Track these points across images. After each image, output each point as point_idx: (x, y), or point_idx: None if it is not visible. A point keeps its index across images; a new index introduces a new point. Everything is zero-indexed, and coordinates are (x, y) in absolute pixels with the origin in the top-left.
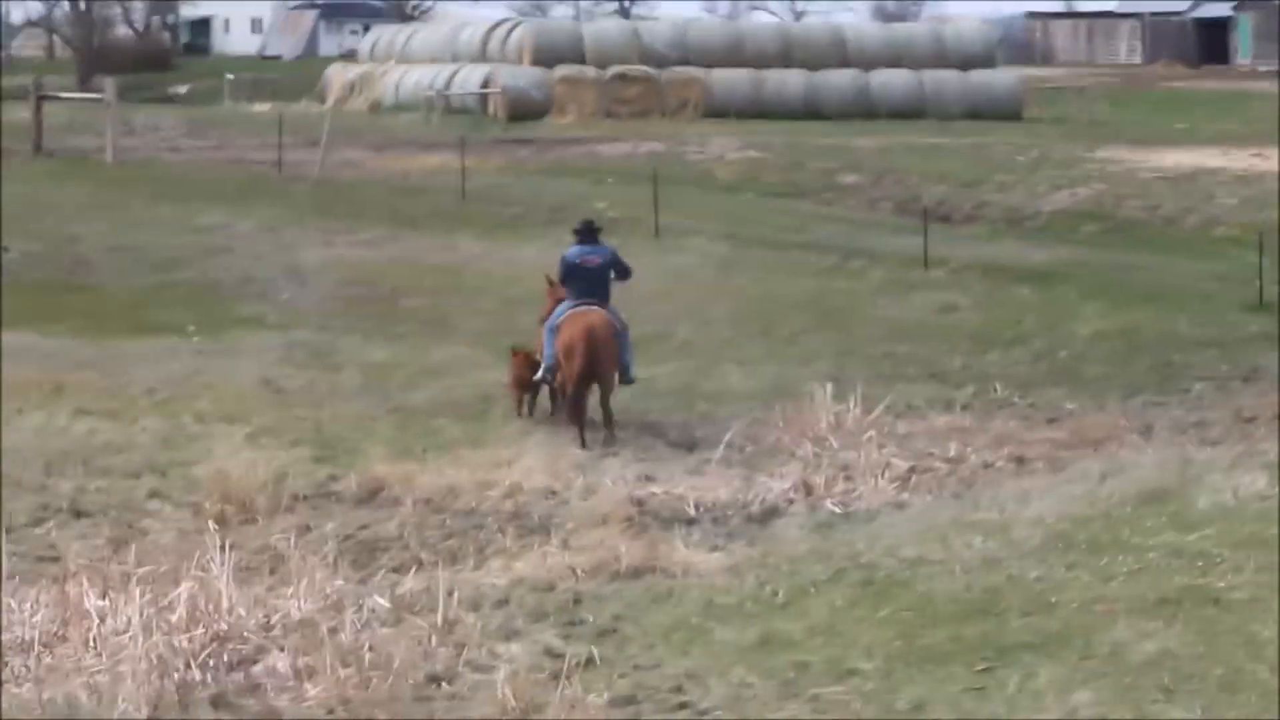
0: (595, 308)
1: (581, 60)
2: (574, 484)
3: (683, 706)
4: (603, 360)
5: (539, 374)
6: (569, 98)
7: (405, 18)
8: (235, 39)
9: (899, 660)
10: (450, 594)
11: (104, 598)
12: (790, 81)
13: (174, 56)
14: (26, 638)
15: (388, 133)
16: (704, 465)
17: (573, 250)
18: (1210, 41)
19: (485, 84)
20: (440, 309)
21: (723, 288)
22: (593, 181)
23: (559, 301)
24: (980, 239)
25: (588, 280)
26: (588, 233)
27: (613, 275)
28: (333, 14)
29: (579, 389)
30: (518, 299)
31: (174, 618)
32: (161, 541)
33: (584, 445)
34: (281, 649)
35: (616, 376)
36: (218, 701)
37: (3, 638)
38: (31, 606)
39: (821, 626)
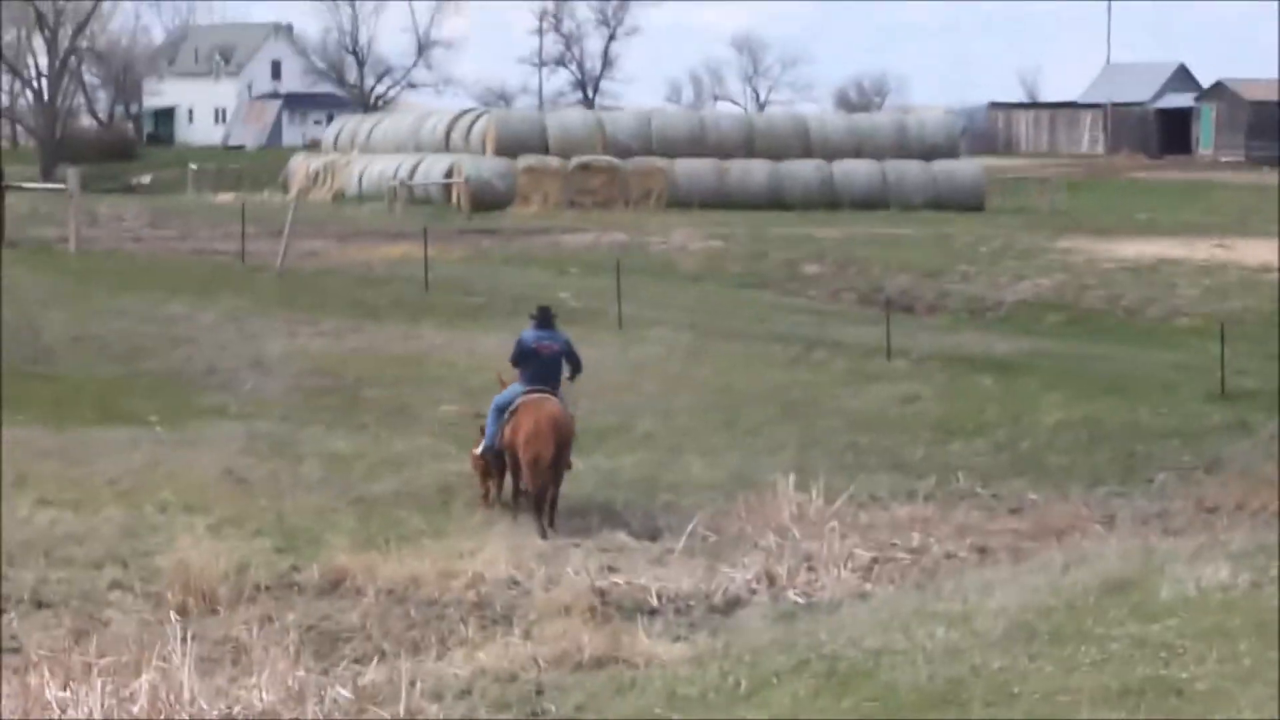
0: (550, 396)
1: (545, 150)
2: (536, 574)
3: None
4: (564, 450)
5: (479, 449)
6: (532, 188)
7: (369, 108)
8: (199, 129)
9: None
10: (413, 684)
11: (65, 688)
12: (754, 171)
13: (138, 146)
14: None
15: (351, 223)
16: (667, 555)
17: (529, 334)
18: (1172, 132)
19: (449, 174)
20: (402, 399)
21: (686, 378)
22: (556, 272)
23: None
24: (943, 329)
25: (542, 366)
26: (545, 319)
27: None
28: (296, 104)
29: (542, 477)
30: (480, 388)
31: (136, 709)
32: (123, 632)
33: (544, 535)
34: None
35: (564, 465)
36: None
37: None
38: None
39: (784, 717)
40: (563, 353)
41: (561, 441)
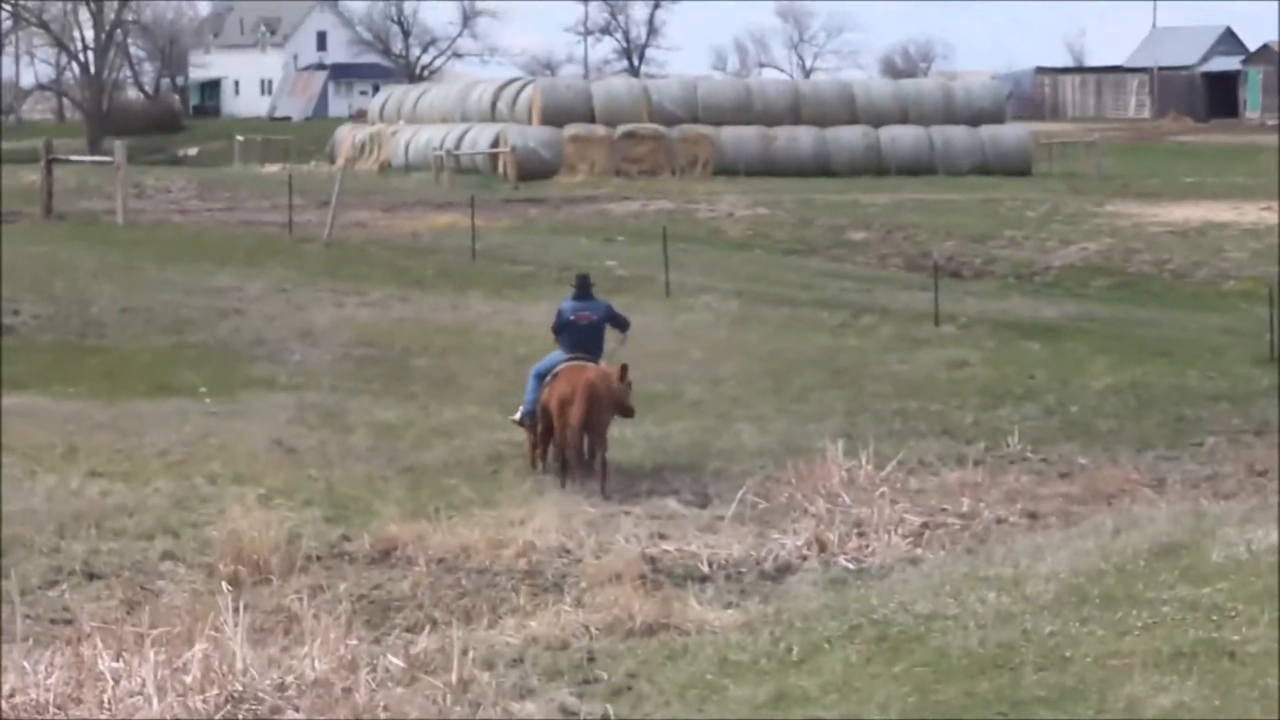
0: (588, 363)
1: (591, 119)
2: (587, 542)
3: None
4: (601, 413)
5: (517, 416)
6: (578, 156)
7: (414, 78)
8: (245, 101)
9: (913, 716)
10: (464, 653)
11: (118, 659)
12: (800, 138)
13: (184, 119)
14: (41, 700)
15: (397, 193)
16: (717, 522)
17: (567, 304)
18: (1219, 95)
19: (495, 143)
20: (450, 369)
21: (733, 345)
22: (603, 240)
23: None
24: (990, 294)
25: (580, 335)
26: (582, 289)
27: (610, 327)
28: (342, 75)
29: (576, 439)
30: (527, 358)
31: (188, 679)
32: (175, 603)
33: (563, 485)
34: (296, 709)
35: (605, 427)
36: None
37: (17, 700)
38: (45, 669)
39: (836, 683)
40: (602, 321)
41: (594, 405)
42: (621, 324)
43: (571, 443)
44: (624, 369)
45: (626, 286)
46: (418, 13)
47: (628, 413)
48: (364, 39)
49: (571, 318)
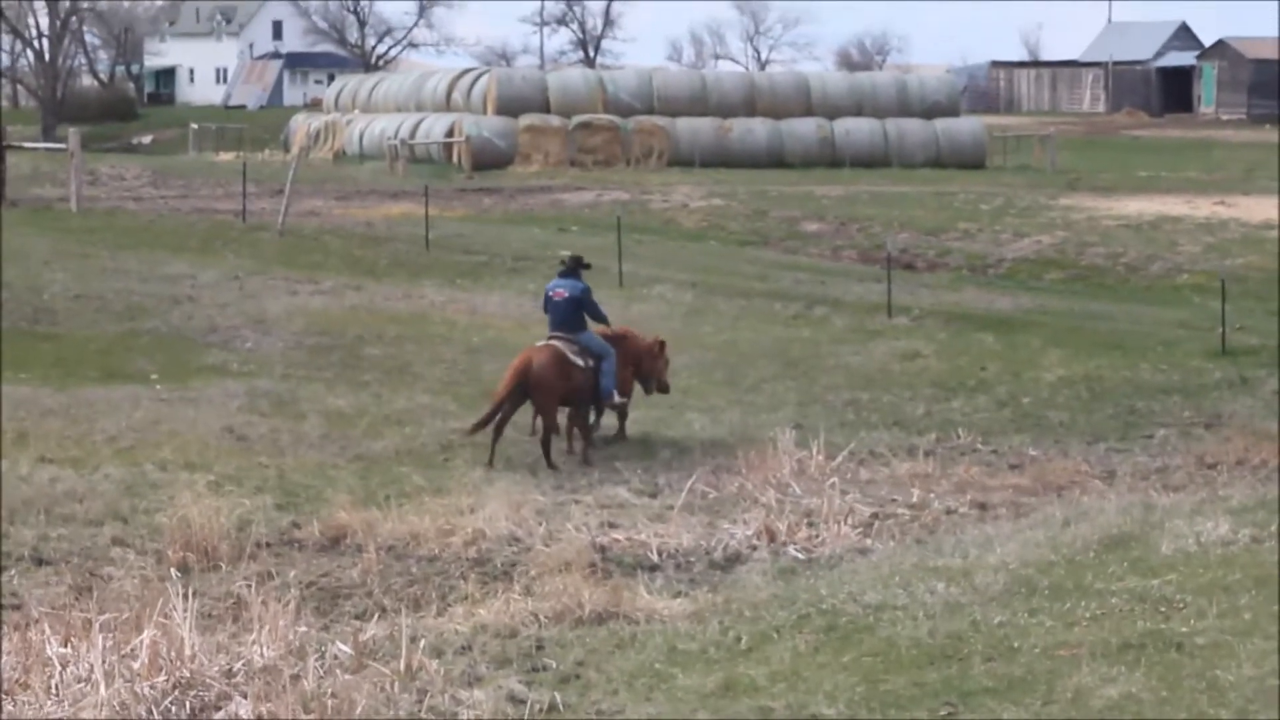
0: (553, 342)
1: (546, 109)
2: (536, 531)
3: None
4: (535, 391)
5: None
6: (533, 147)
7: (370, 67)
8: (200, 88)
9: (862, 706)
10: (413, 640)
11: (66, 645)
12: (755, 130)
13: (138, 106)
14: None
15: (352, 182)
16: (667, 512)
17: (551, 282)
18: (1173, 90)
19: (450, 133)
20: (403, 357)
21: (686, 336)
22: (557, 230)
23: (607, 337)
24: (944, 286)
25: (557, 311)
26: (571, 268)
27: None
28: (297, 64)
29: (493, 411)
30: (480, 347)
31: (136, 665)
32: (124, 589)
33: (490, 463)
34: (244, 696)
35: (554, 409)
36: None
37: None
38: None
39: (784, 672)
40: (574, 299)
41: (523, 383)
42: (594, 315)
43: (497, 419)
44: (661, 344)
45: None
46: (373, 3)
47: (664, 388)
48: (319, 28)
49: (550, 294)
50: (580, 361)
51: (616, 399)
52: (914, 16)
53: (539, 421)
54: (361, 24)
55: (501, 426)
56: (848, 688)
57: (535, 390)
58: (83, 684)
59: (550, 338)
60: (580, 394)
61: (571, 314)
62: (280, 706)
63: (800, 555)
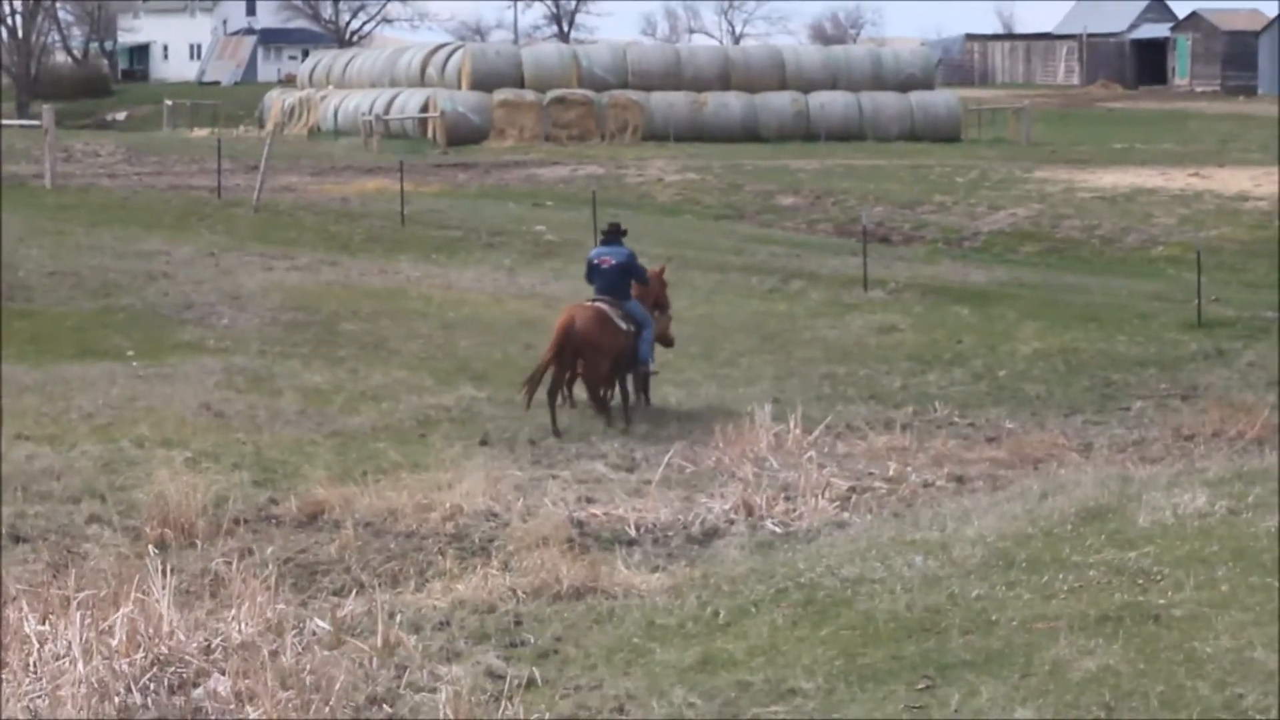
0: (598, 304)
1: (520, 84)
2: (514, 506)
3: None
4: (581, 351)
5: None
6: (508, 122)
7: (344, 43)
8: (174, 65)
9: (840, 679)
10: (391, 616)
11: (44, 622)
12: (730, 104)
13: (112, 83)
14: None
15: (326, 157)
16: (644, 486)
17: (594, 251)
18: (1148, 62)
19: (424, 108)
20: (379, 333)
21: None
22: (532, 204)
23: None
24: (919, 259)
25: (603, 278)
26: (611, 234)
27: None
28: (271, 40)
29: (554, 374)
30: (456, 322)
31: (114, 641)
32: (101, 566)
33: (555, 430)
34: (222, 672)
35: (605, 365)
36: None
37: None
38: None
39: (762, 646)
40: (622, 265)
41: (568, 344)
42: (637, 277)
43: (552, 375)
44: (661, 269)
45: (556, 251)
46: None
47: (667, 343)
48: (293, 4)
49: (596, 262)
50: (624, 325)
51: (651, 367)
52: None
53: (554, 387)
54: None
55: (556, 392)
56: (825, 661)
57: (583, 347)
58: (61, 661)
59: (595, 300)
60: (621, 357)
61: (619, 280)
62: (258, 682)
63: (778, 529)
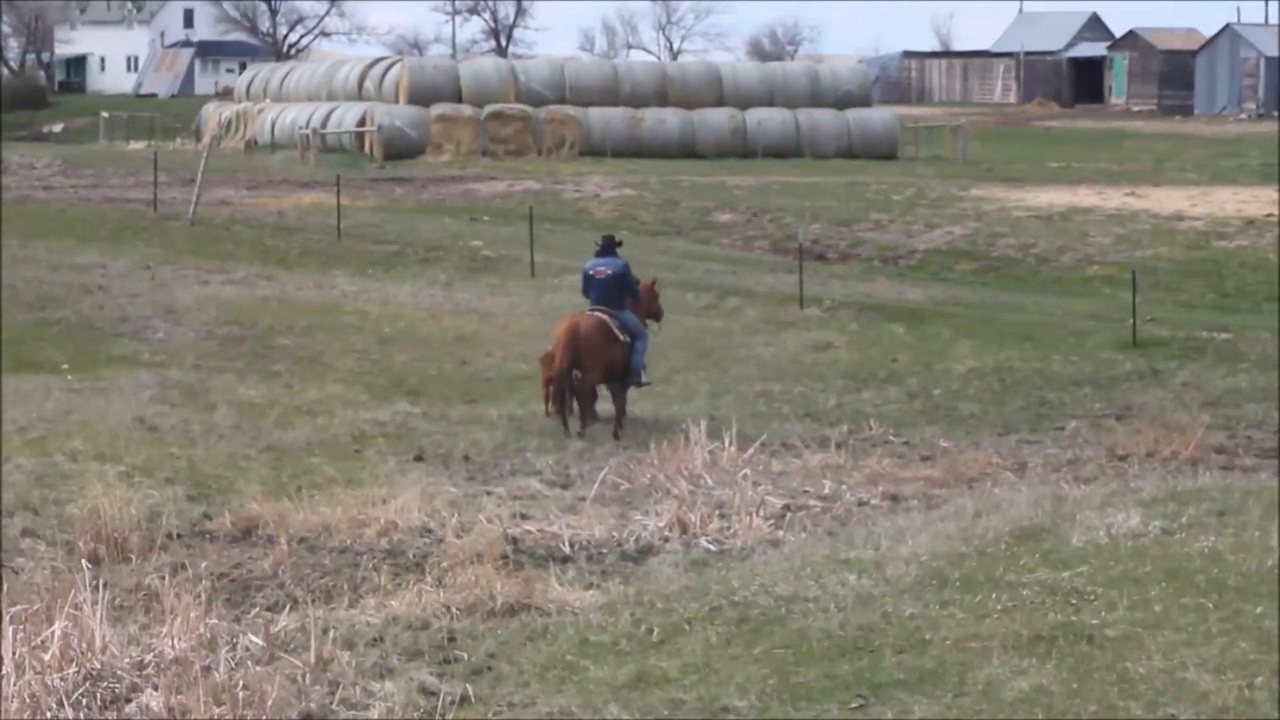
0: (594, 314)
1: (458, 99)
2: (449, 522)
3: None
4: (582, 357)
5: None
6: (445, 136)
7: (281, 56)
8: (111, 77)
9: (773, 698)
10: (324, 632)
11: None
12: (667, 120)
13: (49, 95)
14: None
15: (263, 171)
16: (579, 503)
17: (589, 263)
18: (1085, 81)
19: (361, 122)
20: (314, 348)
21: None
22: (469, 219)
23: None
24: (855, 277)
25: (599, 288)
26: (605, 247)
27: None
28: (209, 52)
29: (559, 382)
30: (392, 337)
31: (47, 656)
32: (34, 580)
33: (566, 432)
34: (155, 687)
35: (598, 375)
36: None
37: None
38: None
39: (696, 664)
40: (618, 275)
41: (574, 348)
42: (629, 291)
43: (559, 384)
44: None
45: (492, 266)
46: None
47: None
48: (231, 17)
49: (591, 273)
50: (621, 336)
51: (643, 379)
52: (825, 6)
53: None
54: (273, 12)
55: (561, 396)
56: (759, 680)
57: (583, 352)
58: None
59: (594, 309)
60: (616, 367)
61: (615, 290)
62: (191, 698)
63: (712, 547)
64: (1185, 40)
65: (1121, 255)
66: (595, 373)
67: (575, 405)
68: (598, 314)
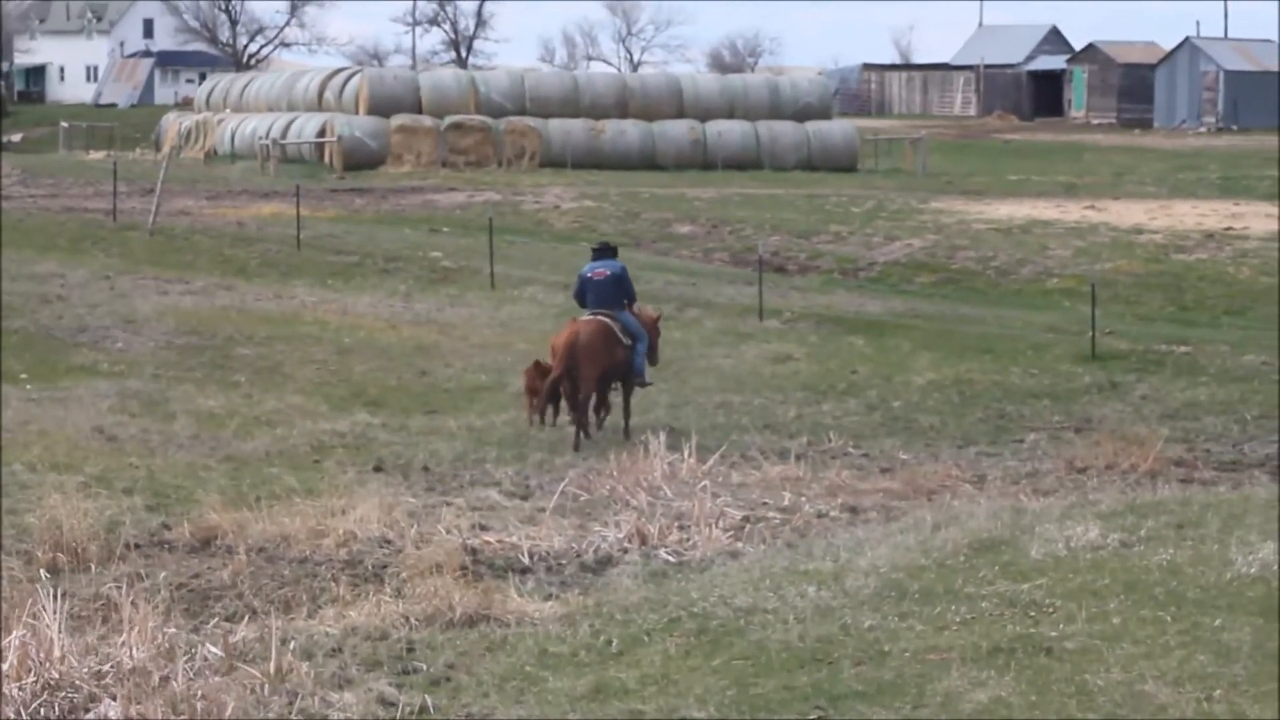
0: (598, 316)
1: (418, 110)
2: (408, 533)
3: None
4: (581, 362)
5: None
6: (405, 147)
7: (241, 66)
8: (70, 87)
9: (732, 709)
10: (283, 642)
11: None
12: (627, 131)
13: (8, 105)
14: None
15: (223, 181)
16: (538, 514)
17: (586, 266)
18: (1044, 94)
19: (321, 133)
20: (274, 358)
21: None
22: (428, 230)
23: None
24: (815, 289)
25: (598, 291)
26: (602, 251)
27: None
28: (168, 62)
29: (553, 388)
30: (351, 348)
31: (5, 666)
32: None
33: (585, 435)
34: (113, 697)
35: (595, 379)
36: None
37: None
38: None
39: (655, 675)
40: (616, 277)
41: (575, 353)
42: (626, 294)
43: (554, 389)
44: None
45: (452, 278)
46: (245, 1)
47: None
48: (191, 27)
49: (589, 275)
50: (624, 339)
51: (646, 379)
52: (786, 18)
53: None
54: (233, 23)
55: (576, 403)
56: (718, 691)
57: (582, 358)
58: None
59: (595, 313)
60: (618, 369)
61: (613, 292)
62: (150, 708)
63: (671, 558)
64: (1145, 54)
65: (1081, 268)
66: (593, 377)
67: (571, 409)
68: (599, 318)
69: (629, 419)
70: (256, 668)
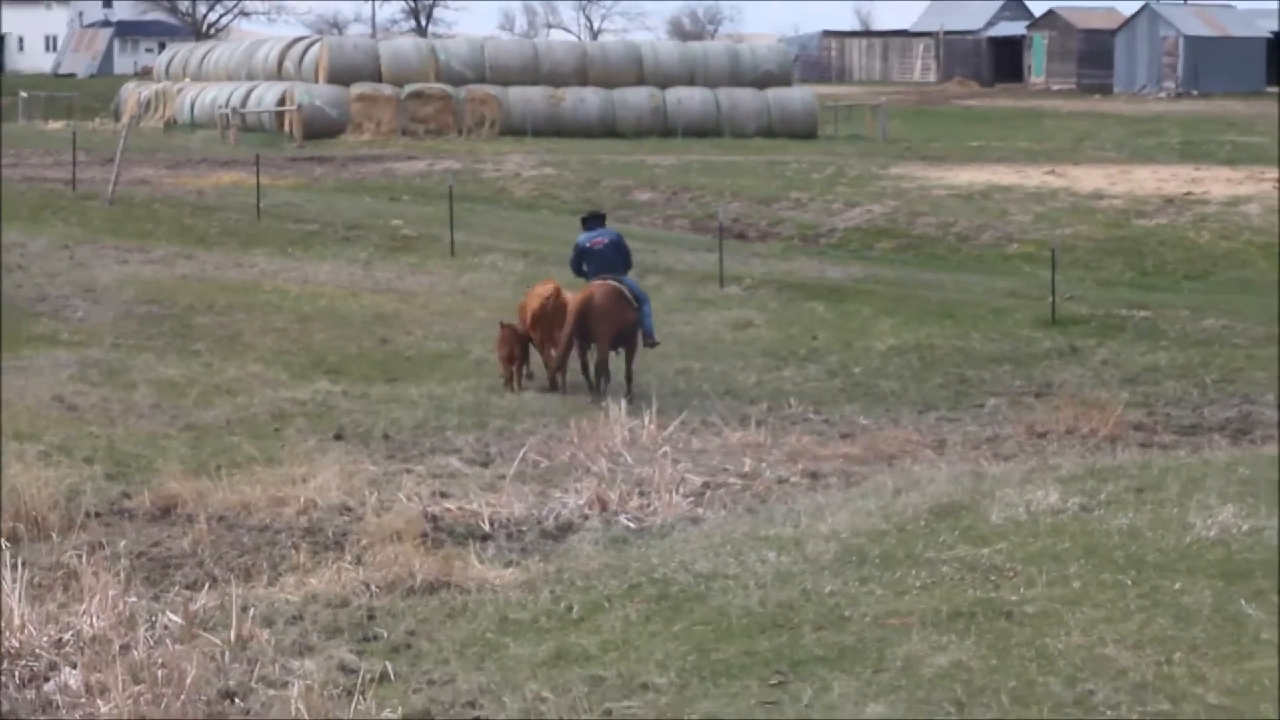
0: (608, 280)
1: (378, 78)
2: (368, 500)
3: None
4: (597, 324)
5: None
6: (365, 115)
7: (201, 36)
8: (29, 57)
9: (693, 674)
10: (244, 610)
11: None
12: (587, 99)
13: None
14: None
15: (182, 150)
16: (499, 481)
17: (582, 236)
18: (1004, 60)
19: (281, 102)
20: (234, 326)
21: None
22: (388, 199)
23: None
24: (775, 256)
25: (599, 259)
26: (593, 219)
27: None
28: (128, 32)
29: (567, 350)
30: (312, 316)
31: None
32: None
33: (596, 392)
34: (73, 666)
35: (609, 338)
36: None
37: None
38: None
39: (615, 641)
40: (615, 243)
41: (588, 315)
42: (625, 259)
43: (563, 361)
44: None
45: (412, 246)
46: None
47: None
48: None
49: (588, 245)
50: (633, 301)
51: (655, 339)
52: None
53: (550, 354)
54: None
55: (586, 364)
56: (679, 656)
57: (596, 319)
58: None
59: (598, 278)
60: (629, 331)
61: (615, 257)
62: (110, 676)
63: (632, 524)
64: (1104, 19)
65: (1041, 233)
66: (608, 338)
67: (590, 369)
68: (609, 281)
69: (631, 381)
70: (217, 635)
